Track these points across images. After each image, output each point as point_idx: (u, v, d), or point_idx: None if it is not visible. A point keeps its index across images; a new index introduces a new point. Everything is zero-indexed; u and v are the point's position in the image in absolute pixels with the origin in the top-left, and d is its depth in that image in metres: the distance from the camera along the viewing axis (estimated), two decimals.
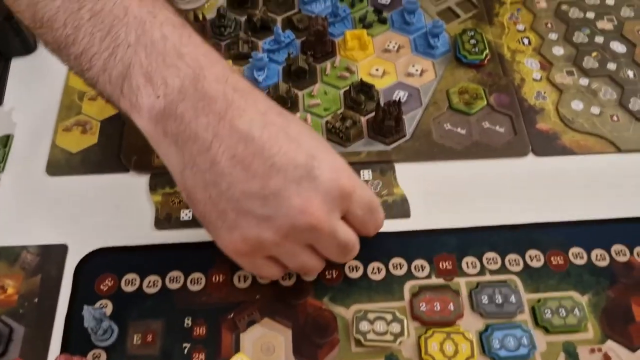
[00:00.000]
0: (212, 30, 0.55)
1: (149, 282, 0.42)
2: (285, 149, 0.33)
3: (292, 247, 0.36)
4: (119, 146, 0.48)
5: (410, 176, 0.47)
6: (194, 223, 0.45)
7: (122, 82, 0.34)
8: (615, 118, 0.50)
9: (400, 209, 0.45)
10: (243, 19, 0.56)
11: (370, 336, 0.39)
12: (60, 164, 0.48)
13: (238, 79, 0.35)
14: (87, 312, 0.38)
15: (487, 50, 0.53)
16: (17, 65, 0.54)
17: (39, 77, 0.53)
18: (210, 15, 0.56)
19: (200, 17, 0.51)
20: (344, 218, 0.37)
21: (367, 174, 0.47)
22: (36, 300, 0.42)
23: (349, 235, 0.37)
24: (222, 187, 0.33)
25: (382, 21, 0.56)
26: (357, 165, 0.47)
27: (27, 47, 0.54)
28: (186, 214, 0.45)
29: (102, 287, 0.42)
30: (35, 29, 0.37)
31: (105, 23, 0.34)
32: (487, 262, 0.43)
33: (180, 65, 0.33)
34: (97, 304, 0.41)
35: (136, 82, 0.33)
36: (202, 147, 0.33)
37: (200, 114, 0.33)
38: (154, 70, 0.33)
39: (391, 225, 0.44)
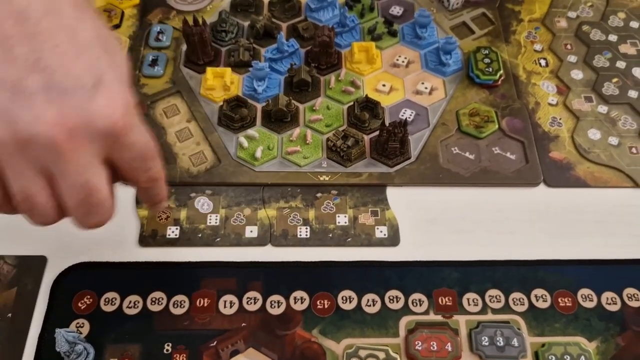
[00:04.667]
0: (212, 35, 0.52)
1: (130, 302, 0.40)
2: (63, 48, 0.28)
3: (23, 165, 0.29)
4: None
5: (413, 201, 0.44)
6: (180, 241, 0.42)
7: None
8: (634, 150, 0.47)
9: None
10: (246, 24, 0.54)
11: None
12: None
13: None
14: (60, 335, 0.36)
15: (502, 71, 0.50)
16: None
17: None
18: (212, 19, 0.54)
19: (200, 20, 0.49)
20: (108, 160, 0.31)
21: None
22: (10, 315, 0.39)
23: (99, 182, 0.30)
24: None
25: (393, 34, 0.53)
26: (355, 187, 0.45)
27: None
28: (173, 231, 0.43)
29: (80, 304, 0.40)
30: None
31: None
32: (490, 300, 0.40)
33: None
34: (74, 324, 0.39)
35: None
36: None
37: None
38: None
39: (389, 255, 0.42)
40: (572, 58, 0.52)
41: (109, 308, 0.40)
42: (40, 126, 0.27)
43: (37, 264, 0.41)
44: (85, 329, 0.39)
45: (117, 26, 0.53)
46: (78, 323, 0.39)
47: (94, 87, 0.28)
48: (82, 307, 0.40)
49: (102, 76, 0.29)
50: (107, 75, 0.29)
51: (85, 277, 0.41)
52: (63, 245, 0.42)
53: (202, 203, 0.44)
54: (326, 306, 0.40)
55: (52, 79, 0.27)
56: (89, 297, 0.40)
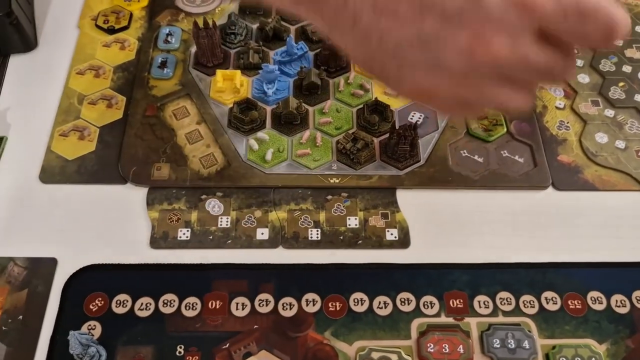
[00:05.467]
0: (222, 37, 0.52)
1: (142, 304, 0.40)
2: None
3: (478, 85, 0.29)
4: (117, 155, 0.46)
5: (423, 204, 0.45)
6: (191, 243, 0.42)
7: None
8: None
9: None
10: (255, 26, 0.54)
11: None
12: (55, 171, 0.45)
13: None
14: (73, 337, 0.36)
15: None
16: (16, 63, 0.51)
17: (37, 76, 0.51)
18: (221, 21, 0.54)
19: (211, 22, 0.49)
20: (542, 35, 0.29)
21: None
22: (21, 317, 0.39)
23: (549, 57, 0.28)
24: (372, 43, 0.29)
25: None
26: (366, 190, 0.45)
27: (27, 45, 0.51)
28: (184, 233, 0.43)
29: (91, 306, 0.40)
30: None
31: None
32: (501, 302, 0.41)
33: None
34: (85, 326, 0.39)
35: None
36: (337, 5, 0.29)
37: None
38: None
39: (400, 257, 0.42)
40: (579, 62, 0.53)
41: (120, 310, 0.40)
42: (465, 59, 0.27)
43: (47, 265, 0.41)
44: (97, 331, 0.39)
45: (125, 28, 0.53)
46: (89, 325, 0.39)
47: None
48: (94, 309, 0.40)
49: None
50: None
51: (97, 279, 0.41)
52: (73, 247, 0.42)
53: (213, 205, 0.44)
54: (338, 308, 0.40)
55: (444, 10, 0.27)
56: (100, 299, 0.40)
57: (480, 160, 0.47)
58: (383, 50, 0.29)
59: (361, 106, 0.48)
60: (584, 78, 0.52)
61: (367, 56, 0.30)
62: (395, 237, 0.43)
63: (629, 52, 0.54)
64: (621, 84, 0.51)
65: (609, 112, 0.50)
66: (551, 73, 0.30)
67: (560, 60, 0.29)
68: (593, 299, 0.41)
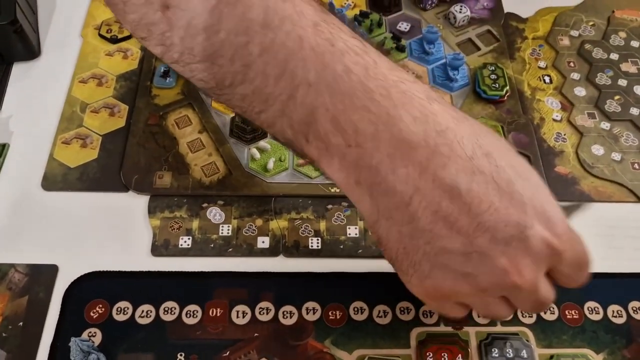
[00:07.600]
0: None
1: (142, 311, 0.40)
2: (496, 205, 0.29)
3: (487, 299, 0.33)
4: (119, 164, 0.46)
5: None
6: (192, 251, 0.42)
7: (307, 129, 0.30)
8: (636, 166, 0.48)
9: None
10: None
11: None
12: (57, 178, 0.46)
13: (438, 111, 0.30)
14: (74, 344, 0.36)
15: (508, 87, 0.51)
16: (19, 71, 0.52)
17: (40, 84, 0.51)
18: None
19: None
20: (547, 271, 0.33)
21: None
22: (21, 324, 0.39)
23: (549, 293, 0.33)
24: (419, 242, 0.30)
25: (400, 49, 0.54)
26: None
27: (30, 52, 0.52)
28: (185, 241, 0.43)
29: (92, 314, 0.40)
30: (193, 63, 0.32)
31: (278, 59, 0.30)
32: None
33: (370, 106, 0.29)
34: (86, 333, 0.39)
35: (323, 130, 0.30)
36: (401, 202, 0.30)
37: (398, 165, 0.29)
38: (340, 114, 0.29)
39: None
40: (575, 75, 0.54)
41: (121, 317, 0.40)
42: (496, 276, 0.30)
43: (48, 272, 0.41)
44: (97, 338, 0.39)
45: (128, 37, 0.54)
46: (90, 332, 0.39)
47: (530, 227, 0.30)
48: (94, 316, 0.40)
49: (532, 208, 0.30)
50: (536, 204, 0.30)
51: (97, 286, 0.41)
52: (74, 254, 0.42)
53: (214, 213, 0.44)
54: (338, 317, 0.40)
55: (495, 235, 0.29)
56: (101, 306, 0.40)
57: None
58: (425, 251, 0.31)
59: None
60: (580, 91, 0.53)
61: (404, 250, 0.31)
62: None
63: (624, 66, 0.55)
64: (617, 97, 0.52)
65: (605, 125, 0.51)
66: (543, 306, 0.34)
67: (552, 297, 0.33)
68: (590, 309, 0.41)
